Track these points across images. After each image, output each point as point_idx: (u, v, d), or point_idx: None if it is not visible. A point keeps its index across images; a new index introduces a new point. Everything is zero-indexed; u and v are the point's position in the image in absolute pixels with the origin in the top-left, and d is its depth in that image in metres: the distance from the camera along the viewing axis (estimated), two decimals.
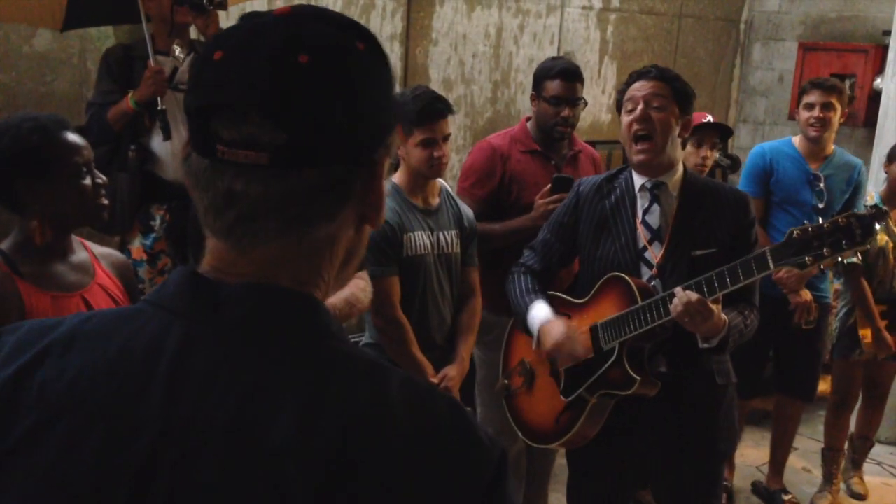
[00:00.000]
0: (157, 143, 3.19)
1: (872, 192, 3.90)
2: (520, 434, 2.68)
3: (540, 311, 2.49)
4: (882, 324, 3.72)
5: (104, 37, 3.54)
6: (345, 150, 0.79)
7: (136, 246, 3.25)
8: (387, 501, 0.72)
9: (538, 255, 2.64)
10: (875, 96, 5.06)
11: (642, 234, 2.42)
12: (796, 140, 3.73)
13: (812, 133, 3.62)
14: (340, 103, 0.78)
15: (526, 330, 2.55)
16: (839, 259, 2.15)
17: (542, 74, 3.14)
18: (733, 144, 6.27)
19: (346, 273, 0.89)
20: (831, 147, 3.72)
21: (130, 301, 2.08)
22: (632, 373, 2.32)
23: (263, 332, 0.77)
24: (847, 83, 5.25)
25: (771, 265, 2.14)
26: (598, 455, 2.53)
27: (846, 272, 3.76)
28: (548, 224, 2.66)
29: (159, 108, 3.08)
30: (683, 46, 5.88)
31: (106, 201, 1.95)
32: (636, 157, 2.40)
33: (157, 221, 3.25)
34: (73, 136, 1.89)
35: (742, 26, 6.21)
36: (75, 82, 3.50)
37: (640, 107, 2.37)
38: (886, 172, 3.80)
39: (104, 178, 1.95)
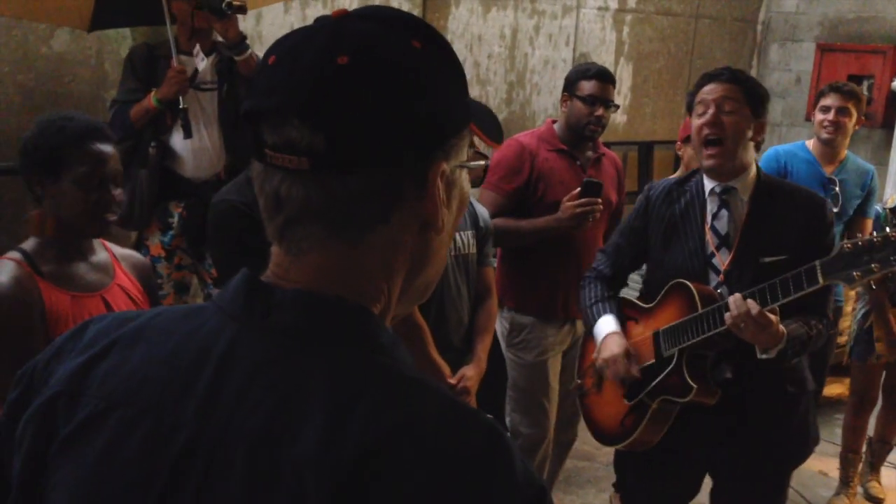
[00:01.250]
0: (178, 140, 3.25)
1: (894, 195, 3.88)
2: (590, 433, 2.70)
3: (605, 324, 2.51)
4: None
5: (122, 38, 3.56)
6: (390, 154, 0.76)
7: (155, 243, 3.31)
8: None
9: (609, 260, 2.63)
10: (893, 97, 5.03)
11: (710, 240, 2.39)
12: (810, 143, 3.72)
13: (824, 135, 3.61)
14: (383, 105, 0.75)
15: (591, 333, 2.59)
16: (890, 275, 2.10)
17: (579, 75, 3.20)
18: None
19: (418, 285, 0.86)
20: (845, 152, 3.70)
21: (150, 302, 2.10)
22: (689, 380, 2.31)
23: (306, 341, 0.75)
24: (865, 84, 5.22)
25: (820, 279, 2.09)
26: (660, 463, 2.52)
27: None
28: (620, 228, 2.67)
29: (181, 106, 3.14)
30: (700, 47, 5.86)
31: (113, 218, 1.94)
32: (706, 162, 2.34)
33: (175, 218, 3.30)
34: (96, 147, 1.89)
35: (759, 27, 6.18)
36: (93, 83, 3.52)
37: (711, 110, 2.32)
38: None
39: (118, 195, 1.94)
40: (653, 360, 2.42)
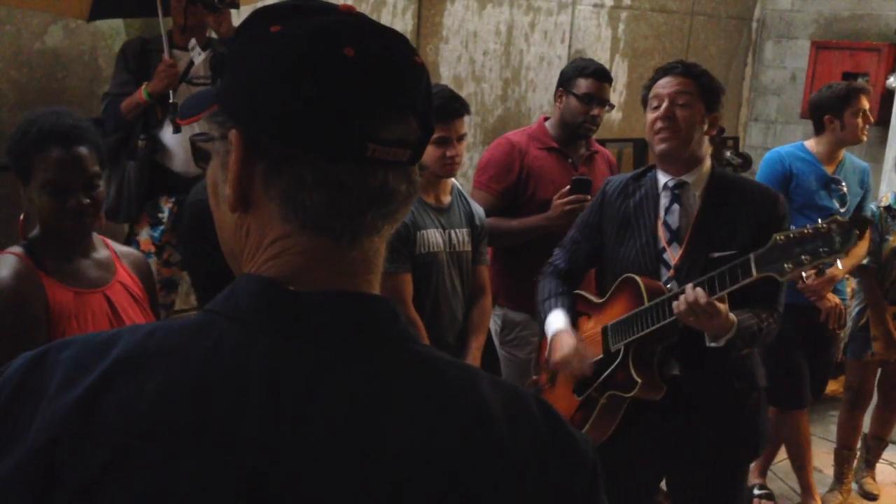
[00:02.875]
0: (168, 135, 3.26)
1: (889, 193, 3.88)
2: None
3: (555, 320, 2.50)
4: (894, 325, 3.70)
5: (115, 33, 3.55)
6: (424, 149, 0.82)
7: (145, 238, 3.32)
8: None
9: (566, 254, 2.63)
10: (888, 95, 5.03)
11: (662, 235, 2.40)
12: (809, 144, 3.68)
13: (864, 138, 3.60)
14: (431, 103, 0.82)
15: (542, 328, 2.58)
16: (820, 267, 2.10)
17: (576, 72, 3.18)
18: (744, 143, 6.25)
19: None
20: (843, 151, 3.69)
21: (149, 300, 2.09)
22: (634, 375, 2.31)
23: (353, 341, 0.75)
24: (860, 81, 5.22)
25: (754, 272, 2.10)
26: (610, 459, 2.50)
27: (860, 273, 3.74)
28: (576, 223, 2.66)
29: (171, 100, 3.12)
30: (695, 44, 5.86)
31: (87, 224, 1.90)
32: (658, 147, 2.36)
33: (166, 213, 3.30)
34: (56, 153, 1.83)
35: (754, 24, 6.18)
36: (86, 79, 3.51)
37: (664, 104, 2.35)
38: None
39: (98, 195, 1.90)
40: (601, 356, 2.41)
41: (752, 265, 2.11)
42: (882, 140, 4.73)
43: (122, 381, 0.72)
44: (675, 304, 2.18)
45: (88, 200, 1.86)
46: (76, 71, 3.48)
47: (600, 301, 2.50)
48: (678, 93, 2.35)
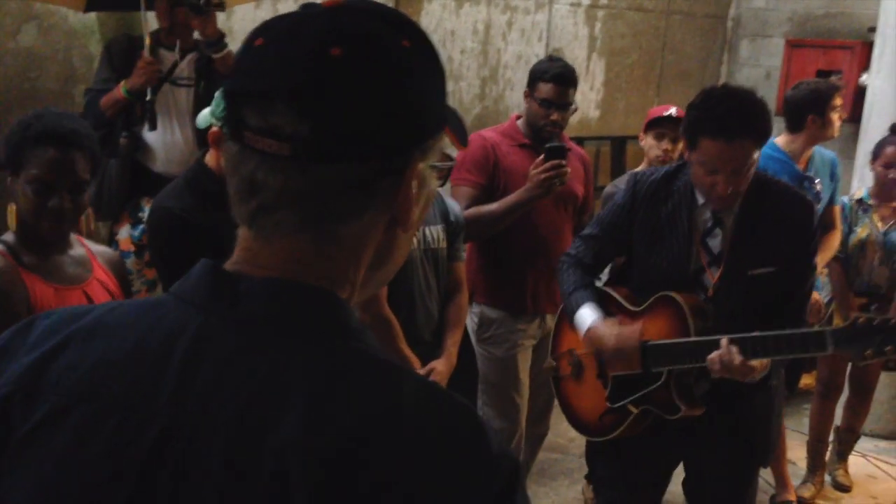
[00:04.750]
0: (150, 133, 3.27)
1: (862, 188, 3.94)
2: (566, 418, 2.70)
3: (588, 314, 2.43)
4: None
5: (90, 33, 3.54)
6: (372, 149, 0.77)
7: (125, 237, 3.31)
8: None
9: (591, 250, 2.54)
10: (860, 92, 5.09)
11: (702, 256, 2.33)
12: (781, 141, 3.69)
13: (836, 134, 3.64)
14: (371, 100, 0.76)
15: (570, 320, 2.51)
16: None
17: (537, 75, 3.15)
18: None
19: (378, 277, 0.87)
20: (812, 147, 3.73)
21: (125, 297, 2.11)
22: (677, 401, 2.32)
23: (278, 329, 0.76)
24: (833, 79, 5.28)
25: (830, 349, 2.11)
26: (631, 454, 2.52)
27: (829, 264, 3.79)
28: (599, 221, 2.56)
29: (148, 98, 3.12)
30: (671, 43, 5.90)
31: (64, 227, 1.92)
32: (717, 205, 2.28)
33: (146, 213, 3.28)
34: (51, 153, 1.85)
35: (729, 23, 6.24)
36: (61, 79, 3.49)
37: (730, 177, 2.18)
38: (872, 170, 3.83)
39: (83, 202, 1.92)
40: (639, 370, 2.37)
41: (829, 341, 2.10)
42: (854, 136, 4.79)
43: (74, 347, 0.80)
44: (709, 358, 2.17)
45: (70, 205, 1.88)
46: (50, 70, 3.47)
47: (635, 309, 2.43)
48: (746, 165, 2.19)
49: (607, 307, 2.48)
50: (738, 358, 2.15)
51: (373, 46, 0.77)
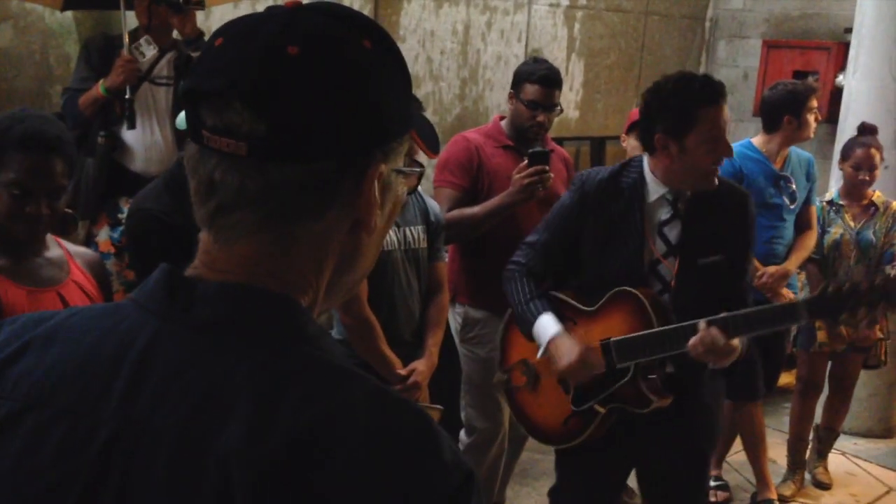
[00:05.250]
0: (129, 133, 3.24)
1: (832, 190, 3.97)
2: (523, 429, 2.66)
3: (549, 324, 2.39)
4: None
5: (66, 33, 3.51)
6: (330, 148, 0.76)
7: (104, 238, 3.27)
8: None
9: (541, 258, 2.49)
10: (837, 93, 5.13)
11: (655, 247, 2.35)
12: (758, 141, 3.72)
13: (811, 135, 3.68)
14: (329, 99, 0.75)
15: (529, 336, 2.47)
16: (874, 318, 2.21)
17: (524, 77, 3.17)
18: None
19: (345, 283, 0.85)
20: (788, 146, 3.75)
21: (104, 299, 2.08)
22: (648, 394, 2.32)
23: (229, 335, 0.75)
24: (810, 80, 5.32)
25: (804, 319, 2.19)
26: (591, 455, 2.50)
27: (806, 265, 3.82)
28: (548, 225, 2.51)
29: (127, 97, 3.10)
30: (650, 44, 5.93)
31: (39, 232, 1.90)
32: (713, 185, 2.33)
33: (125, 214, 3.25)
34: (31, 157, 1.82)
35: (707, 24, 6.28)
36: (37, 78, 3.46)
37: (725, 135, 2.30)
38: (841, 170, 3.87)
39: (59, 206, 1.89)
40: (603, 370, 2.35)
41: (804, 311, 2.17)
42: (831, 137, 4.83)
43: (32, 353, 0.79)
44: (691, 342, 2.19)
45: (48, 210, 1.86)
46: (27, 70, 3.43)
47: (590, 309, 2.41)
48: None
49: (560, 311, 2.45)
50: (721, 338, 2.16)
51: (330, 45, 0.76)
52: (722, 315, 2.20)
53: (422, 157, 2.46)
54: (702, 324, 2.19)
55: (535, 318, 2.43)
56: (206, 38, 3.29)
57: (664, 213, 2.36)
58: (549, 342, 2.39)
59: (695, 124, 2.25)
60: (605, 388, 2.37)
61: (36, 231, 1.90)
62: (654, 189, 2.37)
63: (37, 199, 1.84)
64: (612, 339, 2.35)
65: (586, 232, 2.41)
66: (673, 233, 2.35)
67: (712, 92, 2.26)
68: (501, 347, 2.71)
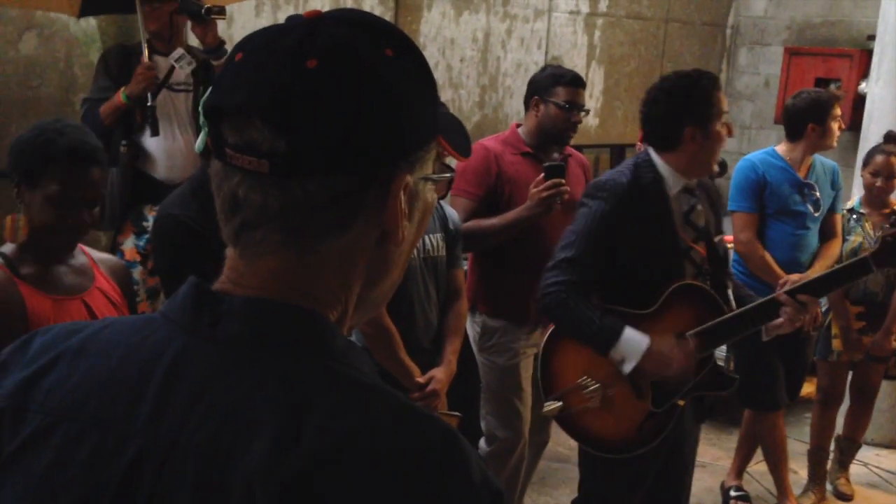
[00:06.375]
0: (151, 141, 3.26)
1: (854, 198, 3.94)
2: (590, 446, 2.63)
3: (636, 336, 2.41)
4: (857, 325, 3.75)
5: (91, 41, 3.55)
6: (352, 162, 0.74)
7: (130, 247, 3.28)
8: None
9: (587, 272, 2.46)
10: (859, 100, 5.10)
11: (685, 235, 2.51)
12: (781, 149, 3.70)
13: (835, 144, 3.68)
14: (348, 113, 0.73)
15: (605, 353, 2.44)
16: None
17: (553, 81, 3.22)
18: None
19: (375, 295, 0.84)
20: (812, 154, 3.74)
21: (129, 306, 2.10)
22: (727, 373, 2.61)
23: (255, 350, 0.74)
24: (832, 88, 5.29)
25: (874, 269, 2.51)
26: (651, 455, 2.58)
27: None
28: (586, 236, 2.46)
29: (149, 104, 3.12)
30: (670, 51, 5.91)
31: (77, 241, 1.94)
32: (715, 167, 2.59)
33: (150, 222, 3.27)
34: (76, 170, 1.85)
35: (728, 31, 6.25)
36: (62, 87, 3.50)
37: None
38: (862, 177, 3.84)
39: (94, 214, 1.92)
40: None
41: (872, 265, 2.48)
42: (854, 144, 4.80)
43: (63, 365, 0.79)
44: (783, 312, 2.44)
45: (89, 219, 1.90)
46: (51, 79, 3.47)
47: (649, 311, 2.46)
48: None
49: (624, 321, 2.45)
50: (814, 301, 2.46)
51: (350, 57, 0.75)
52: (797, 284, 2.50)
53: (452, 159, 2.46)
54: (783, 296, 2.44)
55: (617, 334, 2.40)
56: (227, 46, 3.34)
57: (686, 203, 2.53)
58: (647, 352, 2.40)
59: (716, 109, 2.46)
60: (686, 381, 2.49)
61: (76, 241, 1.93)
62: (675, 182, 2.51)
63: (79, 210, 1.87)
64: (698, 329, 2.47)
65: (623, 237, 2.46)
66: (700, 218, 2.54)
67: (714, 78, 2.54)
68: (545, 374, 2.64)
